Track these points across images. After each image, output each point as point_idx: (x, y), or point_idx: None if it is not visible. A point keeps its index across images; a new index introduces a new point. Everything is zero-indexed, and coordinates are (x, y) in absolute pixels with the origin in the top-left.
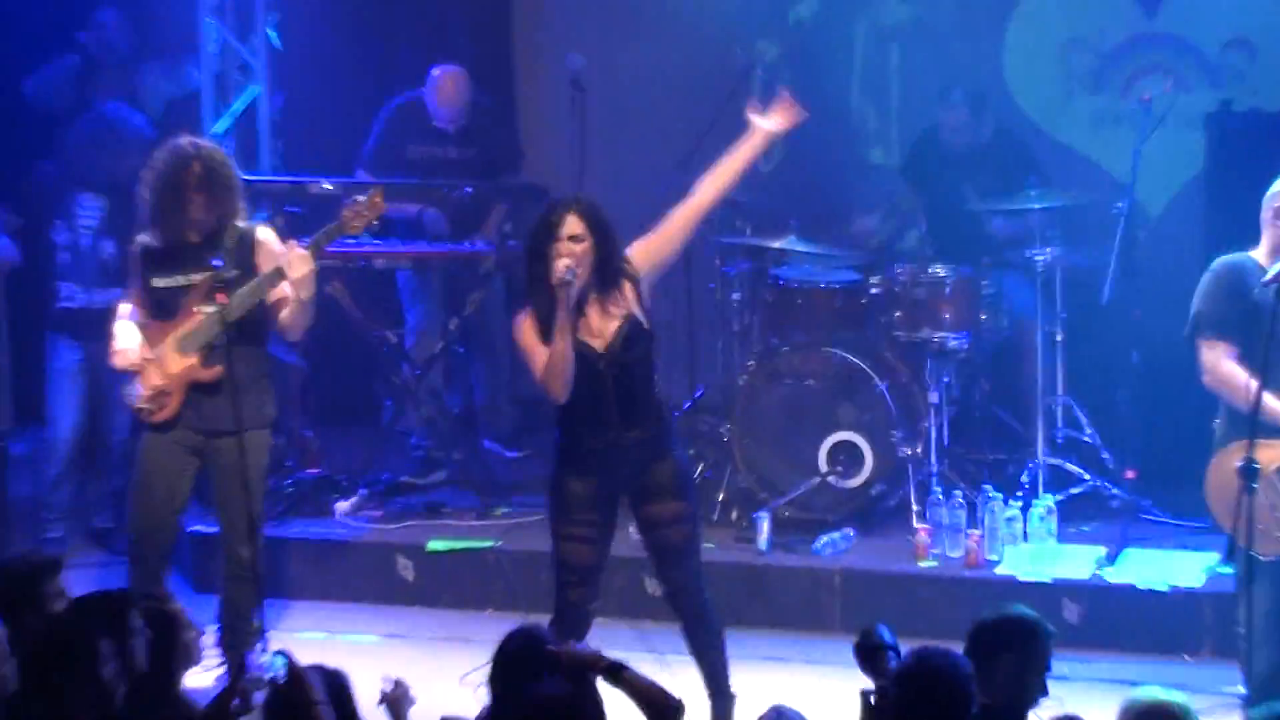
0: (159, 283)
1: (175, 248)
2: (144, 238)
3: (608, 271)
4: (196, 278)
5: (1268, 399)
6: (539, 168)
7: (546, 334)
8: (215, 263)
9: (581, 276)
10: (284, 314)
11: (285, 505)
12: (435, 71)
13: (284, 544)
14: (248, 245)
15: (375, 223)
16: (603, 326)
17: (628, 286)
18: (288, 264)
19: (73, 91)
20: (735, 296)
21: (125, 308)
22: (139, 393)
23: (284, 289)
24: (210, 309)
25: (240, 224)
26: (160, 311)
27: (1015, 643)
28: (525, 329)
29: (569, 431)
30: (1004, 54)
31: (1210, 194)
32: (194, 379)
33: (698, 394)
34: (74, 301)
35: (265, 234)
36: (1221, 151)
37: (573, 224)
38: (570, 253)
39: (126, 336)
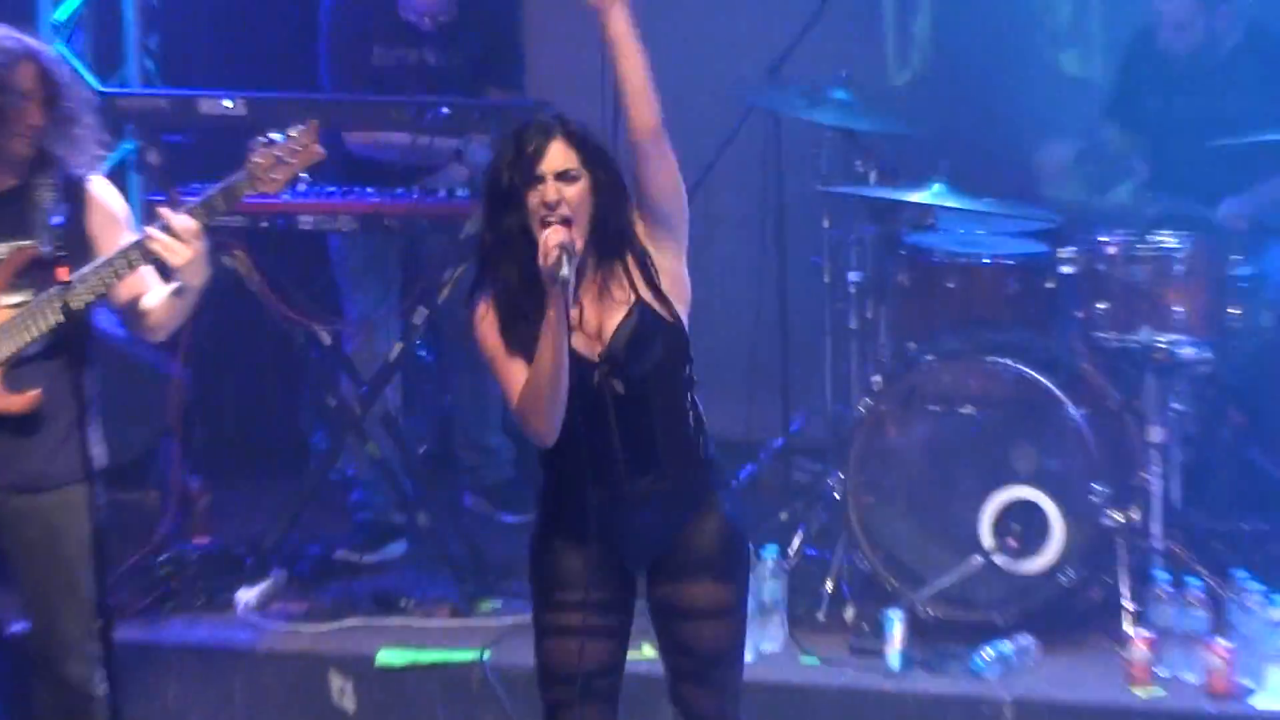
0: None
1: None
2: None
3: (609, 230)
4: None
5: None
6: (548, 85)
7: (511, 333)
8: (56, 222)
9: (579, 234)
10: (150, 310)
11: (158, 594)
12: None
13: (155, 653)
14: (77, 202)
15: (304, 174)
16: (601, 320)
17: (631, 259)
18: (165, 241)
19: None
20: (853, 278)
21: None
22: None
23: (143, 276)
24: (22, 299)
25: (68, 171)
26: None
27: None
28: (487, 327)
29: (555, 476)
30: None
31: None
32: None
33: (793, 427)
34: None
35: (101, 186)
36: None
37: (559, 154)
38: (560, 199)
39: None
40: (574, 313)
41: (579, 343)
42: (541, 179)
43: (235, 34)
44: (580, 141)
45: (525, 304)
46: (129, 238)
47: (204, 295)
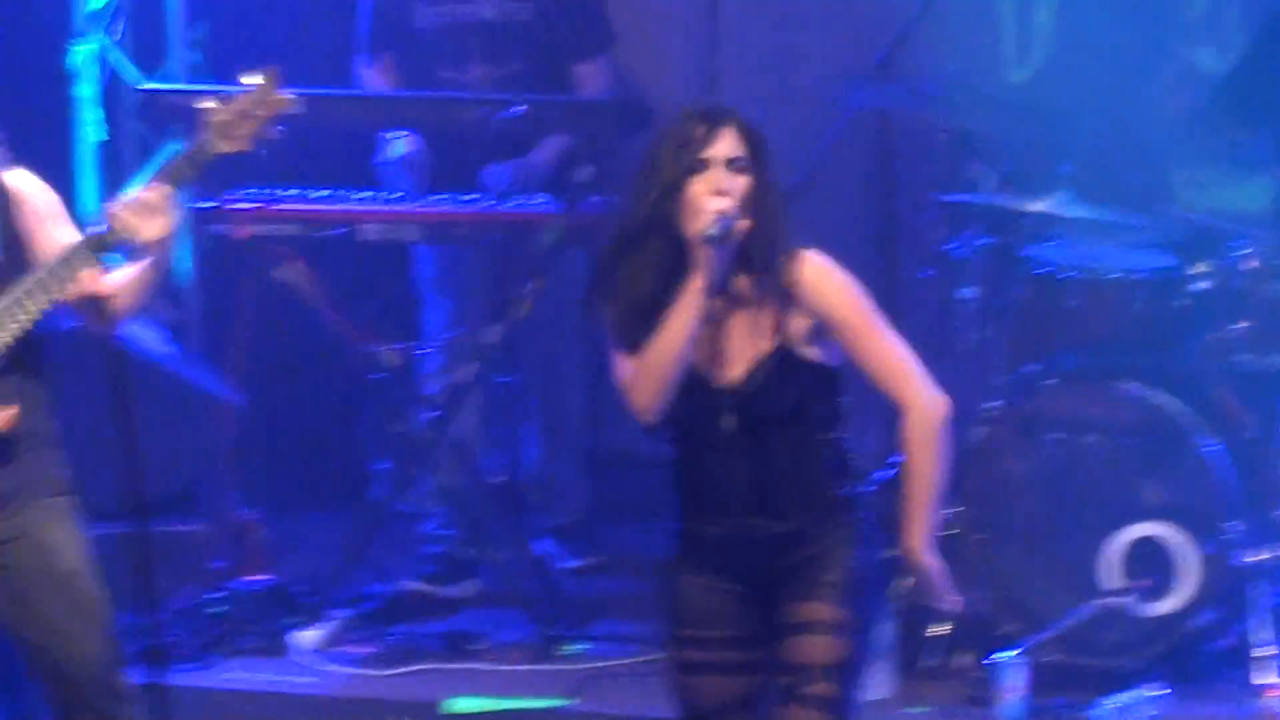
0: None
1: None
2: None
3: (767, 238)
4: None
5: None
6: (645, 77)
7: (641, 330)
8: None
9: (742, 225)
10: (121, 292)
11: (210, 635)
12: None
13: (207, 699)
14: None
15: (269, 126)
16: (739, 349)
17: (795, 290)
18: (133, 210)
19: None
20: (966, 294)
21: None
22: None
23: (97, 277)
24: None
25: None
26: None
27: None
28: (612, 305)
29: (683, 507)
30: None
31: None
32: None
33: (897, 456)
34: None
35: (23, 180)
36: None
37: (731, 141)
38: (722, 190)
39: None
40: (714, 335)
41: (713, 369)
42: (707, 165)
43: (293, 24)
44: (752, 135)
45: (660, 292)
46: (70, 231)
47: (258, 311)
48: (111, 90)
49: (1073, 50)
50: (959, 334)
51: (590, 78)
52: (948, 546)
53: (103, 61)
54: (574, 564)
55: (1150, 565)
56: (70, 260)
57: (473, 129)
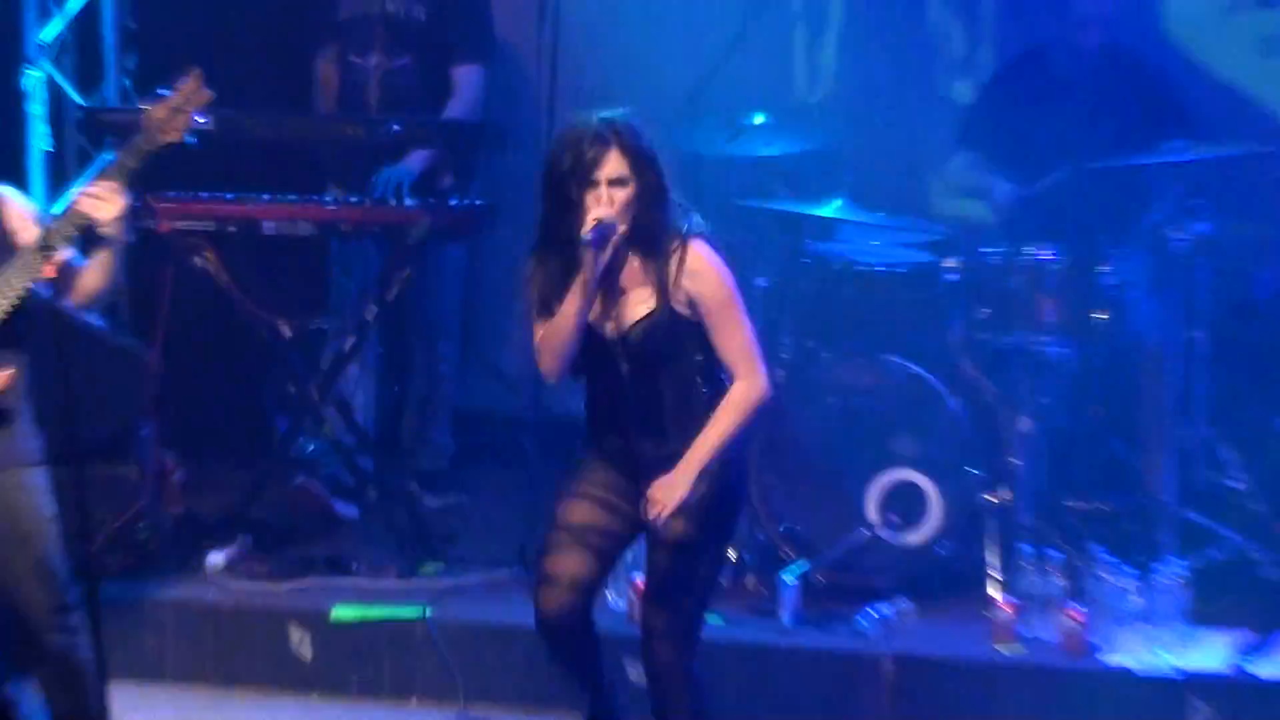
0: None
1: None
2: None
3: (651, 228)
4: None
5: None
6: (498, 107)
7: (549, 302)
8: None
9: (622, 231)
10: (87, 274)
11: (135, 557)
12: None
13: (133, 610)
14: None
15: (200, 121)
16: (630, 306)
17: (678, 267)
18: (91, 201)
19: None
20: (760, 283)
21: None
22: None
23: (63, 254)
24: None
25: None
26: None
27: None
28: (531, 286)
29: (590, 423)
30: None
31: None
32: None
33: None
34: None
35: (6, 191)
36: None
37: (615, 163)
38: (610, 199)
39: None
40: (613, 293)
41: (609, 325)
42: (597, 184)
43: (207, 53)
44: (632, 151)
45: (566, 281)
46: (35, 220)
47: (176, 290)
48: (56, 108)
49: (852, 83)
50: (754, 316)
51: (464, 80)
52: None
53: (49, 84)
54: (435, 502)
55: (905, 503)
56: (45, 244)
57: (360, 142)
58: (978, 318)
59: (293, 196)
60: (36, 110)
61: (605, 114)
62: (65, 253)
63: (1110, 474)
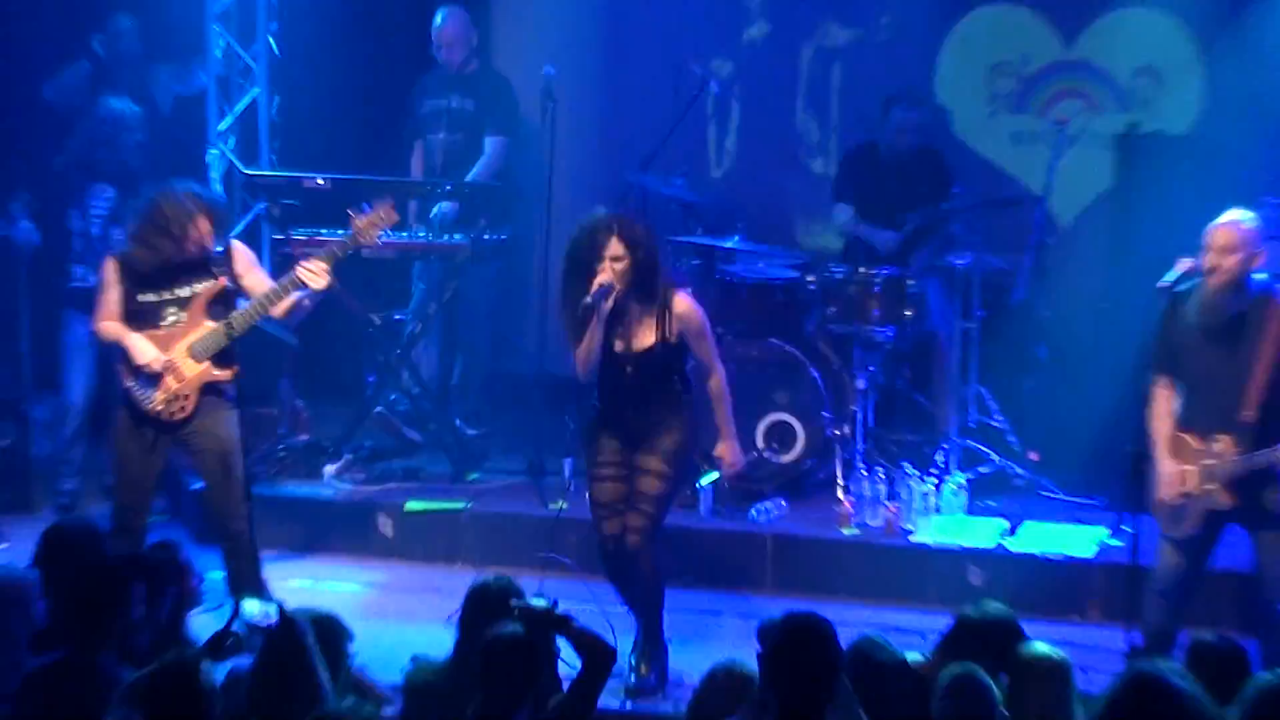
0: (144, 297)
1: (157, 267)
2: (124, 255)
3: (646, 284)
4: (180, 292)
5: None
6: (514, 170)
7: (578, 332)
8: (220, 269)
9: (619, 290)
10: (286, 301)
11: (278, 469)
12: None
13: (278, 503)
14: (226, 257)
15: (389, 232)
16: (636, 337)
17: (671, 315)
18: (309, 274)
19: (87, 92)
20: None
21: (110, 323)
22: (153, 397)
23: (287, 300)
24: (218, 323)
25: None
26: (139, 321)
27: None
28: (565, 317)
29: (601, 404)
30: (935, 76)
31: (1117, 208)
32: (209, 380)
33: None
34: (87, 282)
35: (237, 245)
36: (1129, 170)
37: (615, 246)
38: (612, 270)
39: (146, 347)
40: (624, 325)
41: (619, 344)
42: (603, 259)
43: (328, 138)
44: (627, 237)
45: (582, 318)
46: (265, 276)
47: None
48: (228, 175)
49: (744, 159)
50: None
51: (491, 147)
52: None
53: (223, 159)
54: (473, 432)
55: (781, 436)
56: (274, 293)
57: (427, 195)
58: (828, 313)
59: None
60: (215, 176)
61: (610, 212)
62: (288, 303)
63: (915, 417)
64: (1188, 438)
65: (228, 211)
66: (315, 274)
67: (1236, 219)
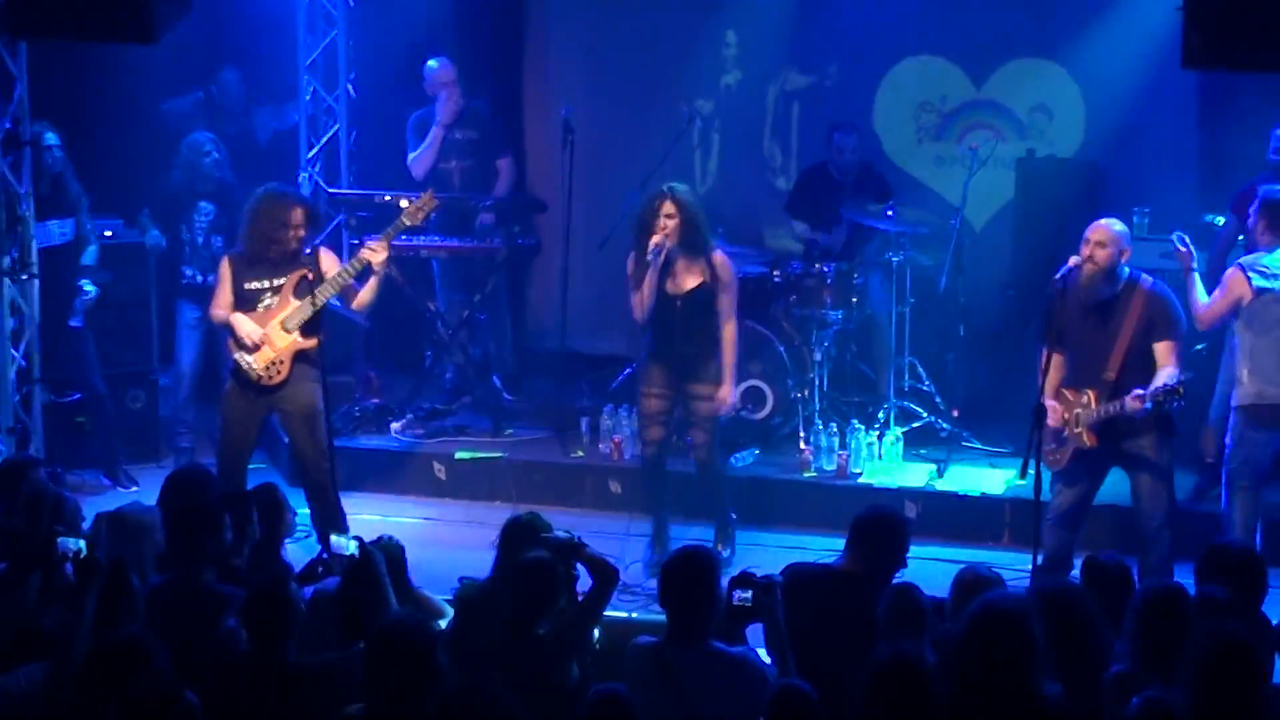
0: (249, 285)
1: (262, 260)
2: (234, 254)
3: (691, 240)
4: (276, 281)
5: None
6: (540, 187)
7: (639, 280)
8: (310, 263)
9: (671, 241)
10: (362, 293)
11: (354, 425)
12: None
13: (353, 452)
14: (314, 256)
15: (431, 215)
16: (683, 281)
17: (712, 265)
18: (370, 252)
19: (197, 120)
20: None
21: (221, 310)
22: (255, 363)
23: (352, 279)
24: (302, 299)
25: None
26: (244, 306)
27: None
28: (631, 269)
29: (652, 339)
30: (873, 112)
31: (1019, 216)
32: (299, 349)
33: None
34: (194, 280)
35: (323, 249)
36: (1026, 186)
37: (669, 207)
38: (664, 227)
39: (248, 325)
40: (673, 271)
41: (670, 286)
42: (659, 218)
43: (390, 162)
44: (677, 200)
45: (642, 268)
46: (340, 264)
47: (380, 283)
48: (315, 194)
49: (724, 180)
50: None
51: (504, 167)
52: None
53: (311, 180)
54: (509, 398)
55: (754, 398)
56: (344, 271)
57: (463, 207)
58: (790, 300)
59: (436, 237)
60: (305, 194)
61: (668, 184)
62: (352, 280)
63: (860, 382)
64: (1067, 393)
65: (316, 205)
66: (375, 250)
67: (1110, 222)
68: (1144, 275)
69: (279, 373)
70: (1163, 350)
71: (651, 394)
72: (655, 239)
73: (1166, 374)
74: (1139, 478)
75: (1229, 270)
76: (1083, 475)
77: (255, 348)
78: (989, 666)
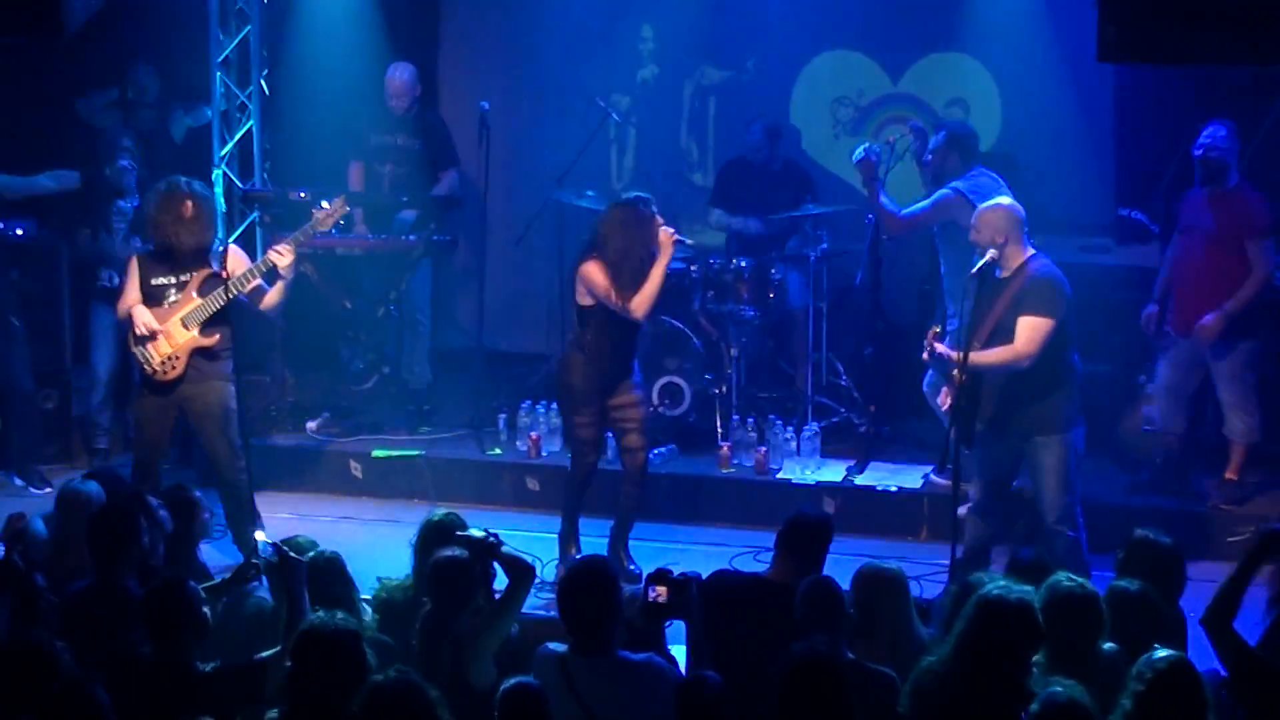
0: (155, 281)
1: (168, 256)
2: (142, 252)
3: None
4: (181, 277)
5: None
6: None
7: (639, 283)
8: (217, 264)
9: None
10: (270, 294)
11: (269, 424)
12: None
13: (269, 451)
14: (222, 255)
15: (341, 222)
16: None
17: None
18: (277, 255)
19: (115, 114)
20: None
21: (128, 303)
22: (150, 356)
23: (258, 280)
24: (205, 296)
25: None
26: (149, 302)
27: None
28: (599, 274)
29: (596, 356)
30: (790, 106)
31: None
32: (198, 345)
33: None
34: (111, 282)
35: (232, 247)
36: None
37: (659, 219)
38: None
39: (145, 317)
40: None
41: (622, 300)
42: (657, 226)
43: (304, 160)
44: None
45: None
46: (249, 263)
47: (289, 284)
48: (229, 190)
49: (641, 174)
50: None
51: (446, 177)
52: None
53: (225, 178)
54: (424, 395)
55: (671, 394)
56: (250, 272)
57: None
58: (708, 296)
59: (352, 234)
60: (218, 191)
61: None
62: (258, 280)
63: (778, 378)
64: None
65: (210, 198)
66: (282, 254)
67: (984, 206)
68: (1040, 261)
69: (174, 368)
70: (1020, 325)
71: (590, 420)
72: (675, 236)
73: (1003, 348)
74: (1033, 472)
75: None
76: (991, 464)
77: (150, 338)
78: (986, 660)
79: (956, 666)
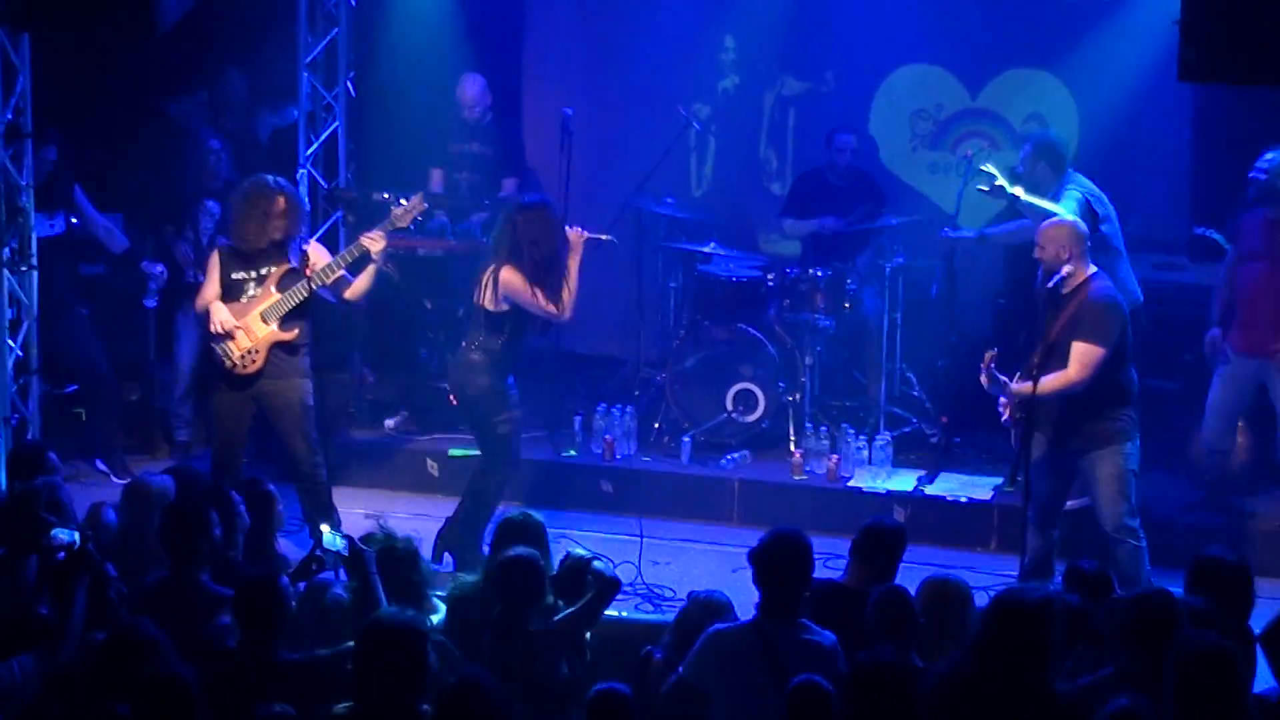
0: (235, 275)
1: (249, 251)
2: (224, 246)
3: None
4: (261, 271)
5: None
6: (540, 187)
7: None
8: (297, 257)
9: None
10: (358, 281)
11: (348, 421)
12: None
13: (348, 448)
14: (303, 252)
15: (420, 218)
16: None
17: None
18: (370, 240)
19: (204, 116)
20: (673, 285)
21: (207, 297)
22: (229, 351)
23: (340, 272)
24: (284, 291)
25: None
26: (228, 297)
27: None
28: (520, 279)
29: (518, 358)
30: (870, 119)
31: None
32: (277, 340)
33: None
34: (197, 280)
35: (313, 244)
36: None
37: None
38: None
39: (223, 313)
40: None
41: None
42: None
43: (387, 160)
44: None
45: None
46: (329, 258)
47: (375, 281)
48: (313, 189)
49: (719, 184)
50: (669, 302)
51: (511, 186)
52: (659, 392)
53: (309, 177)
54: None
55: (746, 401)
56: (336, 263)
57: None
58: (783, 304)
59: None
60: (303, 190)
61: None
62: (341, 272)
63: (851, 387)
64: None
65: (298, 195)
66: (374, 239)
67: (1049, 223)
68: (1101, 281)
69: (253, 362)
70: (1074, 351)
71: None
72: (584, 235)
73: (1057, 375)
74: (1090, 484)
75: None
76: (1045, 474)
77: (228, 336)
78: (1006, 660)
79: (972, 668)
